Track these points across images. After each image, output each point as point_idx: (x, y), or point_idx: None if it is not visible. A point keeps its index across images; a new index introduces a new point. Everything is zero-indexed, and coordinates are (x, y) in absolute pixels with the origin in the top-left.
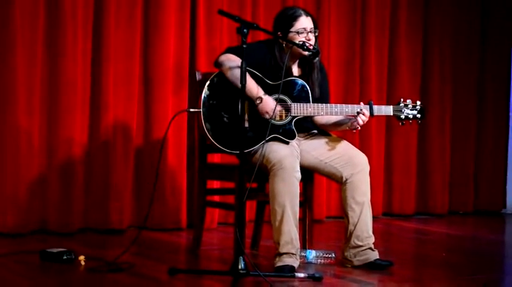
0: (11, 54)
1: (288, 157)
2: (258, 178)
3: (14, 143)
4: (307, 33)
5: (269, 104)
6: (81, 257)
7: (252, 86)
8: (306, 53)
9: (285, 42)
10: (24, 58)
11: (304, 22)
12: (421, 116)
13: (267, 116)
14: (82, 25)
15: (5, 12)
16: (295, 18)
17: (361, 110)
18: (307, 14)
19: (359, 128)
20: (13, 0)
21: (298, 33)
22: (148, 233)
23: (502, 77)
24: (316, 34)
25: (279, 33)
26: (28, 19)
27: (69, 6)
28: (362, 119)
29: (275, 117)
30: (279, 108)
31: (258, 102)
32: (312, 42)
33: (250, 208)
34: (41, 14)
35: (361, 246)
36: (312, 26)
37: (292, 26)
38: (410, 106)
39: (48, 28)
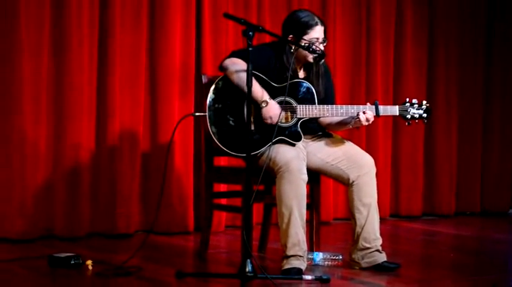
0: (17, 60)
1: (294, 159)
2: (265, 180)
3: (20, 150)
4: (319, 43)
5: (273, 108)
6: (89, 262)
7: (257, 90)
8: (311, 56)
9: (290, 45)
10: (30, 64)
11: (319, 31)
12: (427, 116)
13: (269, 121)
14: (88, 31)
15: (11, 20)
16: (311, 26)
17: (364, 111)
18: (322, 23)
19: (363, 124)
20: (19, 8)
21: (310, 42)
22: (156, 237)
23: (509, 77)
24: (325, 44)
25: (290, 37)
26: (34, 26)
27: (75, 12)
28: (363, 118)
29: (281, 120)
30: (283, 113)
31: (263, 105)
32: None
33: (258, 211)
34: (47, 20)
35: (368, 248)
36: (324, 36)
37: (306, 33)
38: (416, 106)
39: (53, 34)
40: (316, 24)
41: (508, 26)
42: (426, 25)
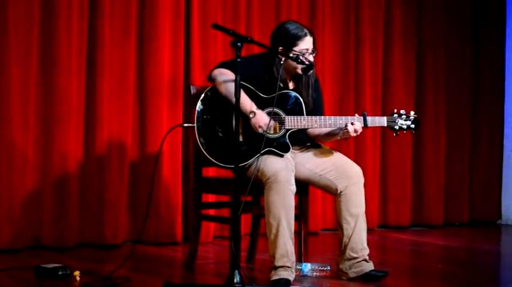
0: (6, 69)
1: (282, 170)
2: (253, 191)
3: (8, 158)
4: (309, 54)
5: (262, 118)
6: (76, 273)
7: (245, 101)
8: (300, 66)
9: (279, 56)
10: (18, 73)
11: (308, 43)
12: (415, 127)
13: (260, 131)
14: (76, 40)
15: None
16: (300, 37)
17: (352, 122)
18: (311, 33)
19: (352, 135)
20: (6, 15)
21: (300, 52)
22: (144, 248)
23: (496, 87)
24: (315, 55)
25: (280, 48)
26: (22, 33)
27: (64, 20)
28: (351, 129)
29: (269, 130)
30: (272, 122)
31: (251, 116)
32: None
33: (246, 221)
34: (35, 28)
35: (356, 258)
36: (313, 47)
37: (296, 45)
38: (404, 117)
39: (42, 42)
40: (306, 35)
41: (494, 33)
42: (414, 34)
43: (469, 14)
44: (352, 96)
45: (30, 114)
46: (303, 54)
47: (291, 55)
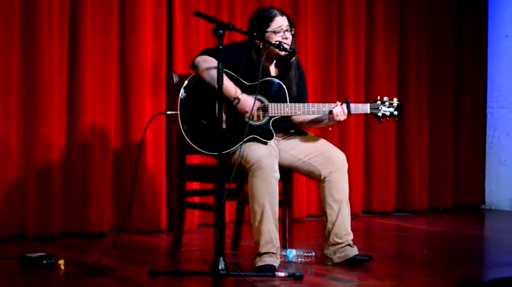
0: None
1: (266, 157)
2: (237, 178)
3: None
4: (284, 32)
5: (248, 103)
6: (61, 262)
7: (230, 86)
8: (283, 53)
9: (261, 43)
10: None
11: (280, 21)
12: (398, 113)
13: (248, 115)
14: (58, 28)
15: None
16: (271, 18)
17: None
18: (282, 13)
19: (337, 120)
20: None
21: (275, 32)
22: (129, 236)
23: (479, 74)
24: (293, 32)
25: (255, 34)
26: (2, 24)
27: (45, 9)
28: (338, 111)
29: (252, 118)
30: (258, 103)
31: (235, 102)
32: (289, 41)
33: (230, 209)
34: (16, 18)
35: (340, 243)
36: (288, 24)
37: (268, 26)
38: (387, 103)
39: (23, 32)
40: (275, 15)
41: (477, 21)
42: (396, 22)
43: (453, 2)
44: (335, 85)
45: (12, 103)
46: (278, 32)
47: (273, 42)
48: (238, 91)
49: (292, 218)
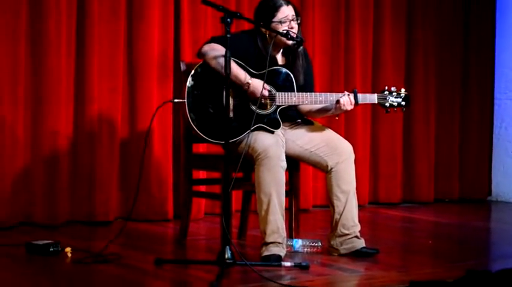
0: None
1: (273, 146)
2: (244, 167)
3: None
4: (290, 21)
5: (258, 87)
6: (68, 249)
7: (239, 72)
8: (290, 42)
9: (268, 32)
10: (7, 51)
11: (286, 11)
12: (405, 104)
13: (263, 100)
14: (66, 17)
15: None
16: (276, 8)
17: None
18: (288, 2)
19: (344, 109)
20: None
21: (281, 22)
22: (135, 225)
23: (486, 65)
24: (299, 21)
25: (261, 23)
26: (10, 12)
27: None
28: (345, 101)
29: (261, 105)
30: (267, 86)
31: (245, 88)
32: (295, 30)
33: (237, 198)
34: (24, 7)
35: (347, 234)
36: (294, 13)
37: (274, 16)
38: (394, 94)
39: (31, 21)
40: (281, 4)
41: (483, 10)
42: (404, 12)
43: None
44: (342, 74)
45: (20, 92)
46: (284, 22)
47: (280, 31)
48: (248, 76)
49: (298, 208)
